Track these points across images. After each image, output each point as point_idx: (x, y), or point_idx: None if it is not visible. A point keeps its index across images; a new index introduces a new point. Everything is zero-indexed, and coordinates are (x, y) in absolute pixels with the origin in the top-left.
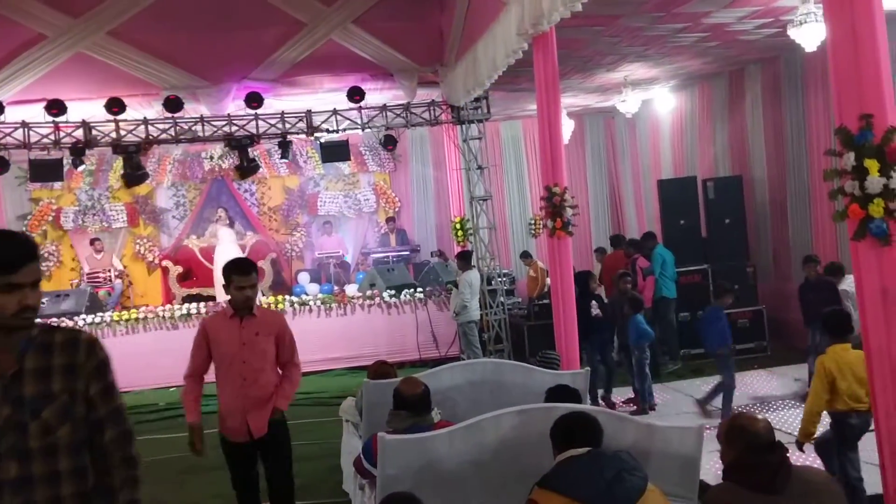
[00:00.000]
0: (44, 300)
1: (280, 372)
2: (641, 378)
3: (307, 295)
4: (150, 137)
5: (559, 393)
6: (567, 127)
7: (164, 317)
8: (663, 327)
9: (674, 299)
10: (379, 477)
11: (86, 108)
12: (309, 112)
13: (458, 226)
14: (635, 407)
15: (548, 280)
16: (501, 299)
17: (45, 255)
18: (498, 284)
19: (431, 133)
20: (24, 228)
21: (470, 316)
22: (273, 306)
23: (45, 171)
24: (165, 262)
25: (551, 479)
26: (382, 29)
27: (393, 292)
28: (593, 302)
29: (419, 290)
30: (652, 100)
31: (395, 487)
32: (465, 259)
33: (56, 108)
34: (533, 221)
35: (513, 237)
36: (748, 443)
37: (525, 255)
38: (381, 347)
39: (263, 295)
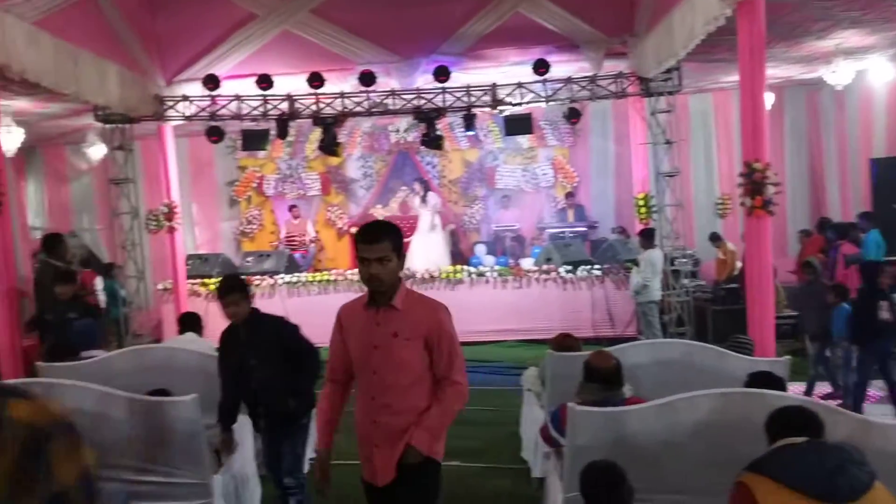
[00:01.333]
0: (248, 259)
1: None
2: (846, 373)
3: (484, 266)
4: (346, 110)
5: (762, 379)
6: (766, 100)
7: (352, 280)
8: None
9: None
10: (567, 446)
11: (290, 83)
12: (494, 85)
13: (641, 202)
14: (837, 403)
15: (738, 263)
16: (685, 281)
17: (250, 218)
18: (681, 265)
19: (614, 106)
20: (231, 194)
21: (651, 296)
22: (451, 276)
23: (254, 141)
24: (353, 229)
25: (765, 463)
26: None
27: (569, 268)
28: (883, 302)
29: (596, 266)
30: (866, 70)
31: (584, 458)
32: (647, 237)
33: (265, 82)
34: (720, 201)
35: (697, 216)
36: None
37: (715, 238)
38: (555, 322)
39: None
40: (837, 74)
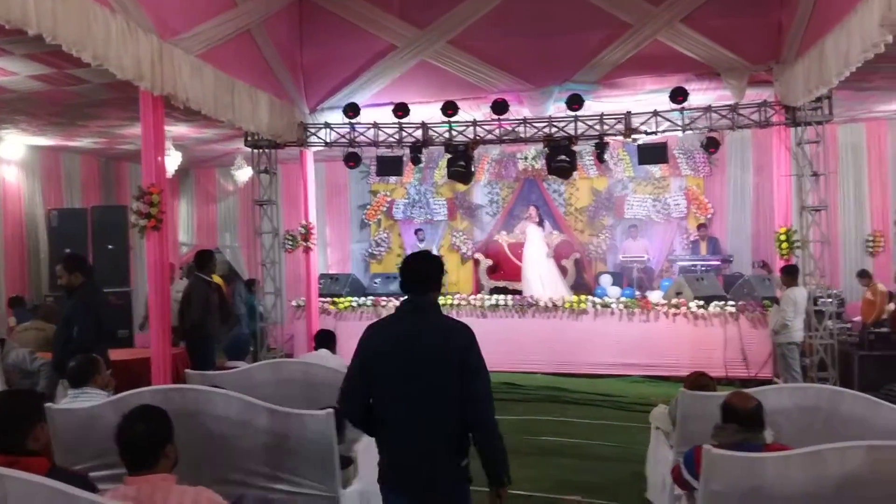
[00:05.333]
0: (376, 280)
1: None
2: None
3: (609, 297)
4: (478, 138)
5: None
6: None
7: (474, 305)
8: None
9: None
10: (701, 491)
11: (424, 111)
12: (628, 113)
13: (782, 237)
14: None
15: (889, 305)
16: (829, 322)
17: (378, 241)
18: (825, 305)
19: (755, 136)
20: (363, 217)
21: (791, 336)
22: (575, 306)
23: (388, 167)
24: (477, 255)
25: None
26: (713, 27)
27: (701, 303)
28: None
29: (731, 303)
30: None
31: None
32: (790, 274)
33: (401, 110)
34: (871, 238)
35: (843, 254)
36: None
37: (863, 275)
38: (683, 359)
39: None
40: None
